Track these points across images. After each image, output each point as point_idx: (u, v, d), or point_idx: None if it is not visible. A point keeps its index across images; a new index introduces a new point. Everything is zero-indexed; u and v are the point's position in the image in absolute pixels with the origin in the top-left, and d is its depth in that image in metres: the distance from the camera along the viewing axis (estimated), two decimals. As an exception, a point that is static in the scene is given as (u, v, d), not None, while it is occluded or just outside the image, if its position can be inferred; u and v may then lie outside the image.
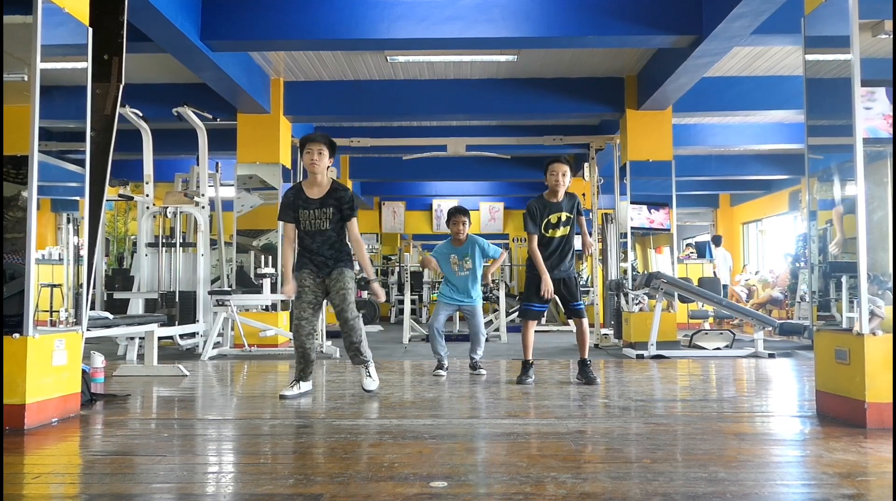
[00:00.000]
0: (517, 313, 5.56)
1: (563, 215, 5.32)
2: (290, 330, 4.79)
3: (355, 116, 9.60)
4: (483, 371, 5.90)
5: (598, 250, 5.34)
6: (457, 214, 6.03)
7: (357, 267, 5.23)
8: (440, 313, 6.00)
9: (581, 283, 13.62)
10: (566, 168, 5.33)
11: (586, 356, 5.38)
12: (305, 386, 4.67)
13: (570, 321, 5.62)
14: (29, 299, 3.70)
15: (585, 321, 5.44)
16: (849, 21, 3.69)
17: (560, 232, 5.31)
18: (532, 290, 5.31)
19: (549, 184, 5.36)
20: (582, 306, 5.40)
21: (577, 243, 5.50)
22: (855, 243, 3.70)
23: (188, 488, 2.61)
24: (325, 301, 4.88)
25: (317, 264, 4.64)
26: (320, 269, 4.64)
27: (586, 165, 9.74)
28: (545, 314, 10.57)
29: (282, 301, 8.62)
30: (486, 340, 9.53)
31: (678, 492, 2.44)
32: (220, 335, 7.67)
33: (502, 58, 8.20)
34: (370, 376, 4.79)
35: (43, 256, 11.14)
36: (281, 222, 4.84)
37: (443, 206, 17.67)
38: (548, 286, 5.18)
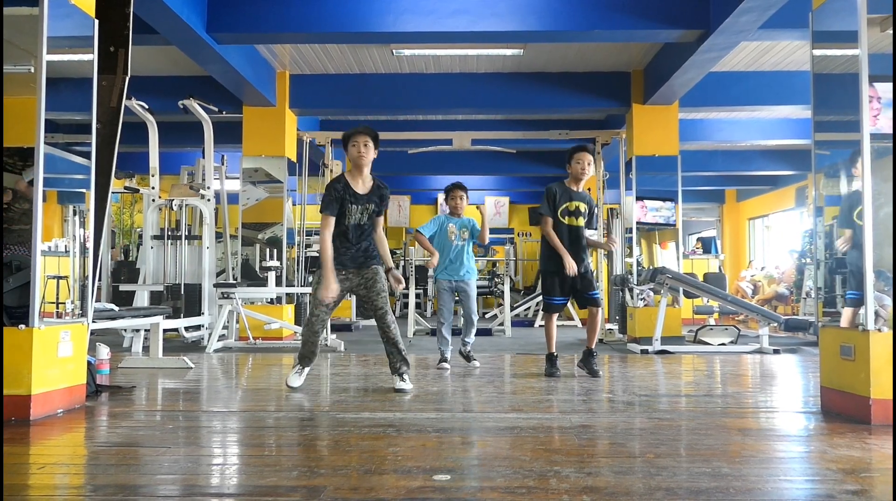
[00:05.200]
0: (541, 308, 5.57)
1: (583, 206, 5.33)
2: (302, 323, 4.67)
3: (361, 109, 9.60)
4: (477, 363, 5.91)
5: (615, 247, 5.38)
6: (455, 189, 6.04)
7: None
8: (445, 298, 5.97)
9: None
10: (591, 158, 5.37)
11: (593, 347, 5.38)
12: (306, 371, 4.70)
13: (585, 310, 5.57)
14: (35, 290, 3.71)
15: (600, 312, 5.45)
16: (857, 16, 3.67)
17: (577, 222, 5.31)
18: (552, 283, 5.31)
19: (572, 172, 5.36)
20: (598, 295, 5.40)
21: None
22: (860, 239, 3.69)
23: (192, 479, 2.62)
24: (342, 298, 4.74)
25: (348, 258, 4.55)
26: (350, 263, 4.55)
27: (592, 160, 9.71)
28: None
29: (287, 294, 8.65)
30: (490, 333, 9.60)
31: (681, 487, 2.44)
32: (224, 327, 7.70)
33: (508, 52, 8.18)
34: (404, 379, 4.65)
35: (49, 247, 11.19)
36: (324, 215, 4.49)
37: (448, 200, 17.63)
38: (571, 265, 5.14)
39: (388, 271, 4.74)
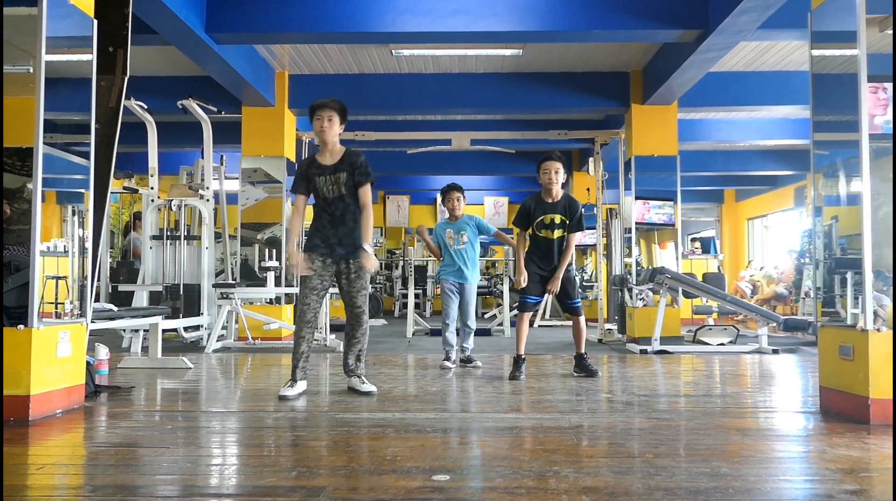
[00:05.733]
0: (517, 306, 5.58)
1: (558, 218, 5.26)
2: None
3: (360, 109, 9.59)
4: (479, 364, 5.90)
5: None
6: (450, 190, 6.02)
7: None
8: (448, 300, 5.96)
9: (585, 278, 13.67)
10: (558, 165, 5.27)
11: (583, 351, 5.41)
12: (301, 386, 4.46)
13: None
14: (33, 290, 3.71)
15: (582, 319, 5.44)
16: (856, 16, 3.68)
17: (556, 234, 5.28)
18: (528, 281, 5.31)
19: (542, 182, 5.32)
20: (578, 304, 5.39)
21: (591, 238, 5.51)
22: (860, 239, 3.69)
23: (191, 480, 2.62)
24: (329, 289, 4.61)
25: (330, 246, 4.38)
26: (332, 250, 4.38)
27: (591, 160, 9.71)
28: (541, 306, 10.60)
29: (286, 295, 8.64)
30: (489, 333, 9.60)
31: (680, 487, 2.44)
32: (224, 327, 7.69)
33: (507, 52, 8.18)
34: (364, 381, 4.57)
35: (48, 248, 11.18)
36: (295, 195, 4.57)
37: (447, 200, 17.62)
38: (521, 275, 5.28)
39: (358, 249, 4.39)
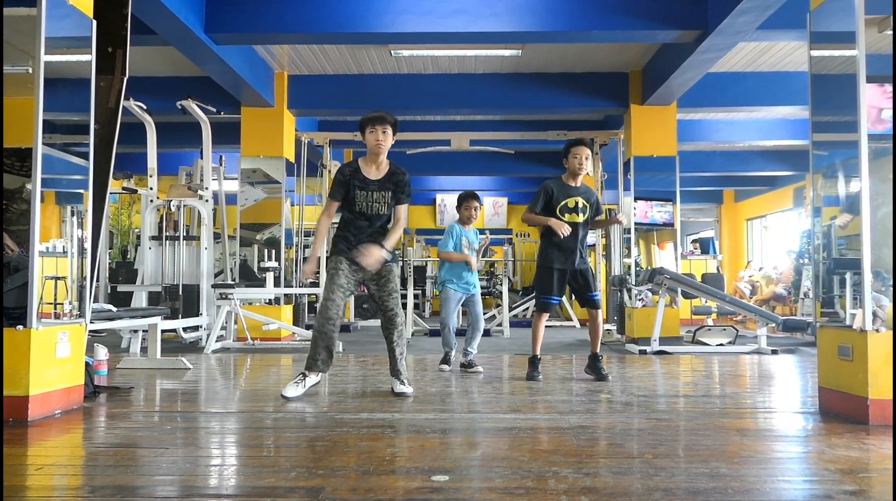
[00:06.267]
0: (534, 306, 5.48)
1: (581, 201, 5.19)
2: (316, 313, 4.49)
3: (359, 110, 9.57)
4: (480, 369, 5.71)
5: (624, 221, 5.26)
6: (470, 198, 5.94)
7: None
8: (451, 306, 5.86)
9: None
10: (589, 152, 5.25)
11: (598, 351, 5.31)
12: (312, 380, 4.44)
13: (585, 311, 5.50)
14: (32, 291, 3.71)
15: (600, 313, 5.33)
16: (855, 17, 3.68)
17: (579, 218, 5.18)
18: (548, 280, 5.19)
19: (570, 167, 5.24)
20: (598, 297, 5.30)
21: (591, 238, 5.43)
22: (858, 239, 3.70)
23: (191, 480, 2.62)
24: (356, 287, 4.58)
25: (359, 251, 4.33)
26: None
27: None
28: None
29: (285, 295, 8.64)
30: (489, 334, 9.60)
31: (680, 487, 2.44)
32: (223, 328, 7.69)
33: (507, 52, 8.18)
34: (403, 382, 4.53)
35: (47, 248, 11.18)
36: (328, 200, 4.51)
37: (446, 201, 17.66)
38: (561, 228, 5.01)
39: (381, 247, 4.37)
